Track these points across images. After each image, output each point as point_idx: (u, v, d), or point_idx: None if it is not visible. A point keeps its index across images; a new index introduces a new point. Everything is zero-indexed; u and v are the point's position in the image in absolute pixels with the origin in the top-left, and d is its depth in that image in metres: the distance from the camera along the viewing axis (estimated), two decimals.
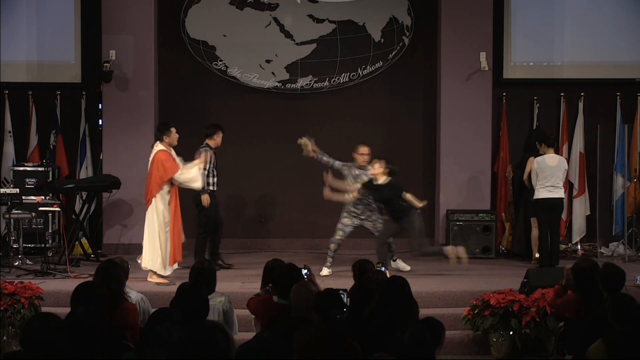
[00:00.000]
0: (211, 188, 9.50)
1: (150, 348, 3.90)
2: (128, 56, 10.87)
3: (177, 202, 8.66)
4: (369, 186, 9.15)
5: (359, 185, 9.26)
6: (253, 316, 6.01)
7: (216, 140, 9.59)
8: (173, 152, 8.74)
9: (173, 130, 8.71)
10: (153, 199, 8.52)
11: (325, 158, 9.61)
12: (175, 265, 8.68)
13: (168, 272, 8.57)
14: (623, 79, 11.54)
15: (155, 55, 11.04)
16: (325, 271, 9.20)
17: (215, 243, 9.79)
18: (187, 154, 9.06)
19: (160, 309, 4.82)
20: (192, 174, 8.68)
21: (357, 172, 9.49)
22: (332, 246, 9.31)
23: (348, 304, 5.77)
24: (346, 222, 9.39)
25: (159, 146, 8.66)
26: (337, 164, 9.57)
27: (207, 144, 9.52)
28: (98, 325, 4.35)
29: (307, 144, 9.55)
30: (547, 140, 9.78)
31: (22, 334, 3.91)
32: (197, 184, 8.79)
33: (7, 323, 7.26)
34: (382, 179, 9.09)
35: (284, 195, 11.61)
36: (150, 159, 8.67)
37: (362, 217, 9.39)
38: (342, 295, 5.18)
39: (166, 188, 8.57)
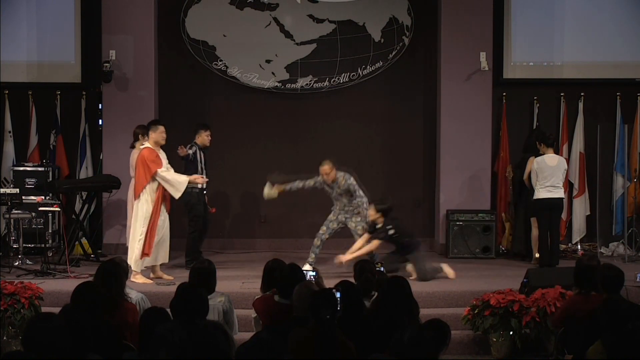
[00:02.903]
0: (199, 186, 9.46)
1: (151, 348, 3.90)
2: (128, 56, 10.87)
3: (160, 202, 8.49)
4: (374, 232, 9.01)
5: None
6: (253, 316, 6.01)
7: (203, 138, 9.66)
8: (162, 153, 8.68)
9: (161, 127, 8.63)
10: (139, 197, 8.44)
11: (296, 184, 9.45)
12: (146, 260, 8.48)
13: (140, 268, 8.43)
14: (623, 79, 11.54)
15: (155, 55, 11.04)
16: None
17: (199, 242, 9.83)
18: None
19: (151, 308, 4.82)
20: (179, 178, 8.53)
21: (326, 188, 9.36)
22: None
23: (340, 300, 5.74)
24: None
25: (144, 144, 8.66)
26: (309, 183, 9.41)
27: (195, 142, 9.69)
28: (97, 325, 4.35)
29: (272, 193, 9.41)
30: (546, 140, 9.78)
31: (23, 334, 3.90)
32: (176, 193, 8.52)
33: (7, 323, 7.25)
34: (380, 222, 8.97)
35: (283, 195, 11.58)
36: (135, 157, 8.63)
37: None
38: (335, 294, 5.13)
39: (153, 186, 8.47)
